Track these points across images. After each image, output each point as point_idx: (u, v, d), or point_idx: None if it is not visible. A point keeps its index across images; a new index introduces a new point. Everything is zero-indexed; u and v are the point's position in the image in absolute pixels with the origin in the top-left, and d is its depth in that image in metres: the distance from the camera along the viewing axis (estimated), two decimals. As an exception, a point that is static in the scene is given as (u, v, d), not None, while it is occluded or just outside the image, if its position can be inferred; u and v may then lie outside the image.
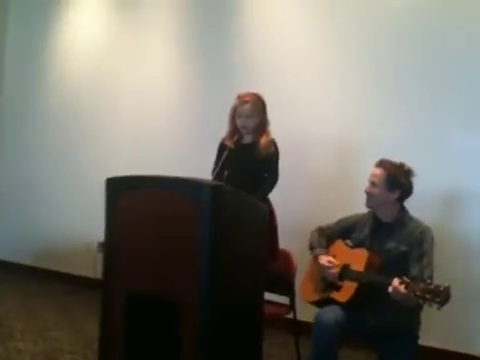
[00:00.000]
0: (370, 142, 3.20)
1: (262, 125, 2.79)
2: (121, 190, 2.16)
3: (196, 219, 1.91)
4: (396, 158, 2.31)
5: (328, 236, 2.47)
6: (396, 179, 2.25)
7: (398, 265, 2.16)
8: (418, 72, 3.12)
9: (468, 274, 2.89)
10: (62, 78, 4.84)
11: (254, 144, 2.78)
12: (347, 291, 2.21)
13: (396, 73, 3.19)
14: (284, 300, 2.69)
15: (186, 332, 1.92)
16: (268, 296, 2.39)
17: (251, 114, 2.75)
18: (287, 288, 2.63)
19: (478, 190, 2.92)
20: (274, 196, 2.78)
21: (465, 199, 2.96)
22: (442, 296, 1.86)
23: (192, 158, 3.83)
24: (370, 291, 2.16)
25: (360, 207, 2.40)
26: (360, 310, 2.18)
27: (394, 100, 3.19)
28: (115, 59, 4.51)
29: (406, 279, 1.98)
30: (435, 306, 1.88)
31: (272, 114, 2.83)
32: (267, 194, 2.74)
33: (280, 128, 2.86)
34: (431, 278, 2.06)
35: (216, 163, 2.79)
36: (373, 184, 2.29)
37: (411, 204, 2.33)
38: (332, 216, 2.54)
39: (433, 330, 2.71)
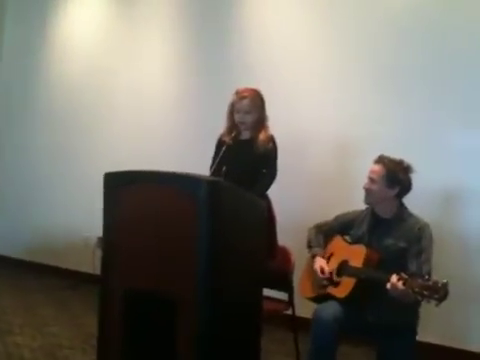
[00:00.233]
0: (369, 140, 3.20)
1: (261, 121, 2.78)
2: (119, 185, 2.15)
3: (194, 215, 1.90)
4: (399, 155, 2.31)
5: (326, 233, 2.47)
6: (395, 175, 2.24)
7: (397, 261, 2.16)
8: (417, 71, 3.12)
9: (466, 271, 2.90)
10: (60, 75, 4.84)
11: (252, 140, 2.77)
12: (345, 287, 2.21)
13: (395, 72, 3.18)
14: (283, 296, 2.69)
15: (184, 330, 1.92)
16: (267, 292, 2.39)
17: (249, 110, 2.74)
18: (285, 284, 2.63)
19: (476, 188, 2.92)
20: (272, 193, 2.78)
21: (463, 197, 2.96)
22: (440, 293, 1.86)
23: (190, 154, 3.83)
24: (368, 287, 2.16)
25: (358, 204, 2.40)
26: (358, 306, 2.19)
27: (393, 99, 3.19)
28: (113, 56, 4.51)
29: (404, 275, 1.98)
30: (433, 302, 1.88)
31: (270, 112, 2.83)
32: (266, 190, 2.73)
33: (278, 126, 2.85)
34: (429, 274, 2.07)
35: (214, 159, 2.78)
36: (372, 180, 2.29)
37: (409, 202, 2.33)
38: (330, 213, 2.53)
39: (431, 326, 2.72)
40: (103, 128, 4.52)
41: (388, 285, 2.01)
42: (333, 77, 3.40)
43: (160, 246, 2.00)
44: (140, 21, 4.36)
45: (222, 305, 1.94)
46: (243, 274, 2.05)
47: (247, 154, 2.73)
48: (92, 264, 3.80)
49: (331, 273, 2.31)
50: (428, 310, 2.06)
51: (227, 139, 2.77)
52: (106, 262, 2.17)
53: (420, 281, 1.92)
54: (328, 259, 2.38)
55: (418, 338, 2.23)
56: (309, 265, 2.46)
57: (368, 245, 2.25)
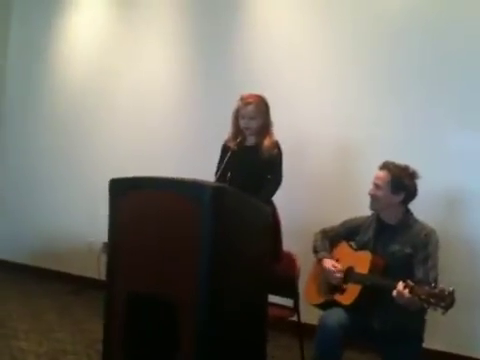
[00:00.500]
0: (369, 142, 3.20)
1: (265, 126, 2.78)
2: (124, 191, 2.16)
3: (198, 221, 1.91)
4: (396, 157, 2.31)
5: (331, 238, 2.46)
6: (401, 181, 2.24)
7: (402, 268, 2.15)
8: (415, 73, 3.12)
9: (473, 277, 2.89)
10: (63, 78, 4.85)
11: (257, 146, 2.77)
12: (351, 294, 2.20)
13: (393, 74, 3.19)
14: (288, 302, 2.68)
15: (187, 333, 1.92)
16: (272, 298, 2.38)
17: (254, 115, 2.74)
18: (291, 290, 2.62)
19: (478, 191, 2.91)
20: (277, 198, 2.78)
21: (466, 200, 2.96)
22: (447, 300, 1.85)
23: (192, 157, 3.83)
24: (374, 294, 2.15)
25: (362, 208, 2.39)
26: (364, 313, 2.18)
27: (392, 100, 3.19)
28: (115, 58, 4.52)
29: (410, 283, 1.97)
30: (440, 310, 1.87)
31: (272, 115, 2.83)
32: (271, 196, 2.73)
33: (280, 128, 2.85)
34: (436, 281, 2.06)
35: (219, 165, 2.78)
36: (377, 186, 2.28)
37: (413, 206, 2.32)
38: (335, 217, 2.53)
39: (438, 333, 2.71)
40: (106, 131, 4.53)
41: (394, 292, 2.00)
42: (332, 79, 3.41)
43: (165, 251, 2.01)
44: (142, 24, 4.38)
45: (225, 309, 1.94)
46: (248, 279, 2.05)
47: (252, 160, 2.73)
48: (97, 269, 3.80)
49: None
50: (435, 317, 2.05)
51: (232, 145, 2.77)
52: (111, 267, 2.18)
53: (427, 288, 1.91)
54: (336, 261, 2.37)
55: (425, 345, 2.22)
56: (315, 270, 2.45)
57: (373, 251, 2.25)
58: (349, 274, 2.27)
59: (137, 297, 2.05)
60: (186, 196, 1.97)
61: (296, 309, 2.63)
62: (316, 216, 3.14)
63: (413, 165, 2.28)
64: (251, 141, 2.81)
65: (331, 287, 2.33)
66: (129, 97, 4.40)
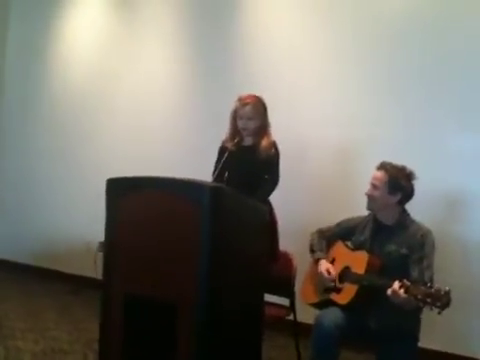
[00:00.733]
0: (369, 143, 3.21)
1: (263, 127, 2.79)
2: (122, 191, 2.16)
3: (196, 221, 1.91)
4: (395, 158, 2.31)
5: (328, 238, 2.47)
6: (397, 182, 2.25)
7: (399, 268, 2.16)
8: (415, 73, 3.13)
9: (469, 277, 2.89)
10: (62, 79, 4.86)
11: (255, 146, 2.78)
12: (347, 293, 2.21)
13: (393, 74, 3.20)
14: (284, 302, 2.69)
15: (184, 333, 1.92)
16: (268, 298, 2.39)
17: (252, 116, 2.75)
18: (287, 290, 2.63)
19: (477, 192, 2.91)
20: (274, 198, 2.78)
21: (465, 201, 2.96)
22: (443, 300, 1.86)
23: (191, 158, 3.84)
24: (370, 294, 2.15)
25: (359, 208, 2.40)
26: (360, 313, 2.18)
27: (392, 101, 3.20)
28: (114, 59, 4.52)
29: (406, 282, 1.98)
30: (436, 310, 1.88)
31: (271, 116, 2.84)
32: (268, 196, 2.74)
33: (279, 130, 2.86)
34: (431, 281, 2.06)
35: (216, 165, 2.79)
36: (374, 187, 2.29)
37: (410, 206, 2.33)
38: (332, 217, 2.54)
39: (434, 333, 2.72)
40: (104, 132, 4.54)
41: (389, 291, 2.00)
42: (332, 80, 3.41)
43: (162, 251, 2.01)
44: (141, 25, 4.38)
45: (223, 309, 1.95)
46: (245, 279, 2.06)
47: (249, 160, 2.74)
48: (94, 269, 3.81)
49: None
50: (431, 317, 2.06)
51: (230, 145, 2.78)
52: (108, 267, 2.18)
53: (422, 288, 1.92)
54: (331, 264, 2.38)
55: (421, 345, 2.22)
56: (312, 270, 2.46)
57: (370, 251, 2.25)
58: (345, 274, 2.28)
59: (134, 298, 2.05)
60: (184, 196, 1.97)
61: (292, 308, 2.64)
62: (314, 216, 3.14)
63: (412, 166, 2.28)
64: (249, 141, 2.82)
65: (327, 288, 2.33)
66: (128, 98, 4.40)
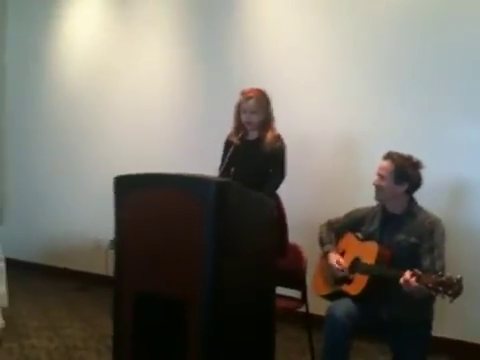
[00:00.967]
0: (372, 135, 3.20)
1: (267, 121, 2.78)
2: (129, 188, 2.17)
3: (203, 216, 1.91)
4: (401, 149, 2.30)
5: (337, 230, 2.47)
6: (404, 171, 2.24)
7: (409, 258, 2.16)
8: (416, 65, 3.11)
9: (477, 265, 2.89)
10: (62, 77, 4.85)
11: (260, 140, 2.77)
12: (358, 284, 2.22)
13: (395, 68, 3.18)
14: (296, 294, 2.70)
15: (194, 330, 1.93)
16: (280, 290, 2.40)
17: (255, 109, 2.74)
18: (299, 282, 2.63)
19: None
20: (280, 191, 2.78)
21: (471, 191, 2.96)
22: (455, 288, 1.86)
23: (191, 156, 3.84)
24: (381, 284, 2.16)
25: (365, 199, 2.40)
26: (372, 303, 2.19)
27: (394, 94, 3.18)
28: (113, 58, 4.51)
29: (418, 271, 1.98)
30: (448, 298, 1.88)
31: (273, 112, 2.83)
32: (275, 190, 2.73)
33: (281, 125, 2.85)
34: (443, 270, 2.06)
35: (222, 160, 2.78)
36: (381, 177, 2.28)
37: (417, 196, 2.32)
38: (339, 208, 2.54)
39: (447, 321, 2.73)
40: (104, 130, 4.54)
41: (401, 280, 2.00)
42: (334, 74, 3.40)
43: (171, 247, 2.02)
44: (140, 23, 4.35)
45: (231, 304, 1.95)
46: (253, 273, 2.06)
47: (255, 154, 2.74)
48: (105, 266, 3.83)
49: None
50: (444, 306, 2.06)
51: (235, 139, 2.78)
52: (119, 264, 2.19)
53: (434, 277, 1.92)
54: (340, 256, 2.38)
55: (434, 333, 2.23)
56: (322, 262, 2.46)
57: (380, 241, 2.25)
58: (356, 265, 2.28)
59: (144, 295, 2.06)
60: (191, 191, 1.97)
61: (304, 300, 2.65)
62: (320, 210, 3.14)
63: (419, 157, 2.27)
64: (253, 135, 2.81)
65: (338, 279, 2.34)
66: (128, 97, 4.39)
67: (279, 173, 2.76)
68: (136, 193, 2.14)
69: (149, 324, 2.06)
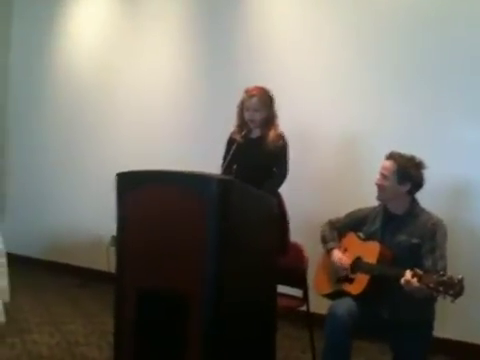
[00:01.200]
0: (374, 134, 3.20)
1: (270, 119, 2.79)
2: (131, 185, 2.16)
3: (205, 213, 1.91)
4: (403, 148, 2.30)
5: (339, 229, 2.47)
6: (406, 171, 2.23)
7: (410, 258, 2.16)
8: (419, 64, 3.11)
9: (478, 265, 2.88)
10: (67, 74, 4.86)
11: (262, 138, 2.78)
12: (359, 283, 2.22)
13: (397, 66, 3.18)
14: (297, 293, 2.70)
15: (196, 327, 1.93)
16: (281, 289, 2.40)
17: (258, 107, 2.75)
18: (300, 281, 2.63)
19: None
20: (282, 189, 2.79)
21: (473, 191, 2.96)
22: (456, 288, 1.86)
23: (194, 153, 3.85)
24: (383, 284, 2.16)
25: (367, 198, 2.39)
26: (373, 302, 2.19)
27: (397, 93, 3.18)
28: (118, 54, 4.52)
29: (419, 271, 1.98)
30: (449, 298, 1.88)
31: (277, 109, 2.82)
32: (277, 188, 2.74)
33: (284, 122, 2.85)
34: (445, 270, 2.06)
35: (225, 157, 2.79)
36: (384, 177, 2.28)
37: (419, 196, 2.32)
38: (341, 206, 2.55)
39: (448, 322, 2.72)
40: (109, 127, 4.54)
41: (402, 281, 2.00)
42: (337, 71, 3.40)
43: (172, 244, 2.01)
44: (146, 19, 4.36)
45: (233, 302, 1.95)
46: (254, 271, 2.06)
47: (257, 152, 2.75)
48: (106, 262, 3.84)
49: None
50: (445, 306, 2.06)
51: (238, 137, 2.78)
52: (120, 261, 2.19)
53: (435, 277, 1.92)
54: (343, 254, 2.38)
55: (436, 334, 2.23)
56: (324, 261, 2.46)
57: (381, 241, 2.25)
58: (357, 264, 2.28)
59: (145, 292, 2.06)
60: (193, 189, 1.97)
61: (306, 299, 2.65)
62: (321, 208, 3.15)
63: (422, 157, 2.27)
64: (256, 133, 2.82)
65: (340, 277, 2.34)
66: (132, 94, 4.40)
67: (281, 172, 2.76)
68: (138, 190, 2.13)
69: (150, 321, 2.06)
